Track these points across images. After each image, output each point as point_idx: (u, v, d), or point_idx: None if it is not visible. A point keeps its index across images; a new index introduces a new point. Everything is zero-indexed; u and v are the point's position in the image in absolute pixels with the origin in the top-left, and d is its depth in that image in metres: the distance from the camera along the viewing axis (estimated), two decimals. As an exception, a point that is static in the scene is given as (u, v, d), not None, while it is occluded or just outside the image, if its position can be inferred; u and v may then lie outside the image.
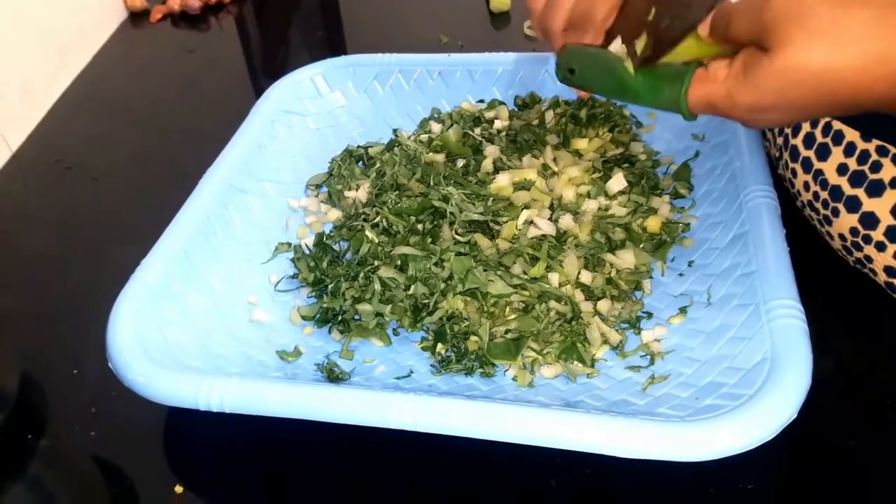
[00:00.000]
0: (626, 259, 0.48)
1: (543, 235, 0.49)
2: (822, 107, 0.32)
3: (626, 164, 0.54)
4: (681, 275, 0.48)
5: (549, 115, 0.58)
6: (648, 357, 0.43)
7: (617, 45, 0.39)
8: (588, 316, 0.45)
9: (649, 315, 0.46)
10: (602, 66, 0.39)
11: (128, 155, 0.69)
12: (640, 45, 0.37)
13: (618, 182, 0.52)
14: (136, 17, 0.91)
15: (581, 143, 0.56)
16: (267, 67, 0.82)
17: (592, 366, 0.43)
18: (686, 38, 0.35)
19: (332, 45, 0.84)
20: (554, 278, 0.46)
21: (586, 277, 0.47)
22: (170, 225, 0.49)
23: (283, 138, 0.60)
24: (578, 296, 0.46)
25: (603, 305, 0.46)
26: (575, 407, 0.40)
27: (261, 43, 0.87)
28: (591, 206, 0.51)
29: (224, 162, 0.55)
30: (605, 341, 0.45)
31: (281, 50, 0.84)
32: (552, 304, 0.45)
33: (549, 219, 0.50)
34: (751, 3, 0.32)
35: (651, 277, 0.48)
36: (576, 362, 0.43)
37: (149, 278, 0.45)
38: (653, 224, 0.50)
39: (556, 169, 0.54)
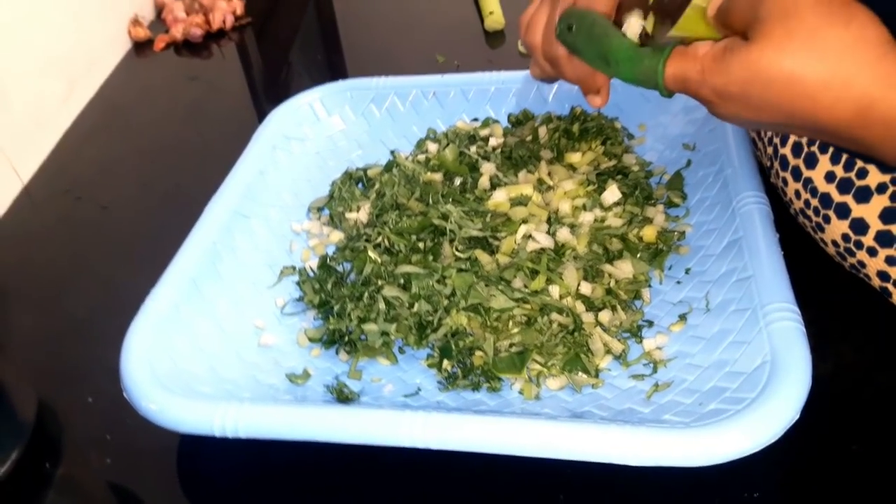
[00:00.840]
0: (624, 269, 0.49)
1: (542, 249, 0.50)
2: (782, 114, 0.32)
3: (619, 176, 0.56)
4: (678, 282, 0.49)
5: (543, 131, 0.59)
6: (651, 365, 0.44)
7: (633, 26, 0.39)
8: (590, 327, 0.46)
9: (650, 323, 0.47)
10: (595, 32, 0.39)
11: (136, 182, 0.70)
12: (648, 24, 0.38)
13: (612, 194, 0.53)
14: (140, 47, 0.93)
15: (574, 157, 0.57)
16: (269, 92, 0.83)
17: (597, 376, 0.44)
18: (693, 17, 0.35)
19: (333, 67, 0.86)
20: (554, 291, 0.47)
21: (586, 289, 0.48)
22: (177, 253, 0.50)
23: (284, 163, 0.62)
24: (579, 307, 0.47)
25: (604, 316, 0.47)
26: (582, 418, 0.41)
27: (262, 68, 0.89)
28: (587, 218, 0.52)
29: (227, 189, 0.56)
30: (608, 351, 0.45)
31: (282, 74, 0.85)
32: (554, 316, 0.46)
33: (547, 232, 0.51)
34: None
35: (650, 286, 0.49)
36: (580, 373, 0.44)
37: (159, 307, 0.46)
38: (649, 234, 0.51)
39: (551, 183, 0.55)
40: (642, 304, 0.49)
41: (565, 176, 0.56)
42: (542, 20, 0.43)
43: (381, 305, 0.48)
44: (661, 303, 0.48)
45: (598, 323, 0.47)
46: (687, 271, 0.49)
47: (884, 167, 0.41)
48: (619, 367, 0.45)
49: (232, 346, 0.48)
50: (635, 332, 0.47)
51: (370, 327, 0.47)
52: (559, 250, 0.50)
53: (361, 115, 0.66)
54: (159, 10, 0.98)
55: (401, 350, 0.48)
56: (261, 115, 0.65)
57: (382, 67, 0.74)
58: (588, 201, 0.54)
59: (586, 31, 0.40)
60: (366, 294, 0.49)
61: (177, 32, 0.92)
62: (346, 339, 0.48)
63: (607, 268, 0.49)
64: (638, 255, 0.50)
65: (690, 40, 0.35)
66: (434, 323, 0.47)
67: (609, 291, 0.48)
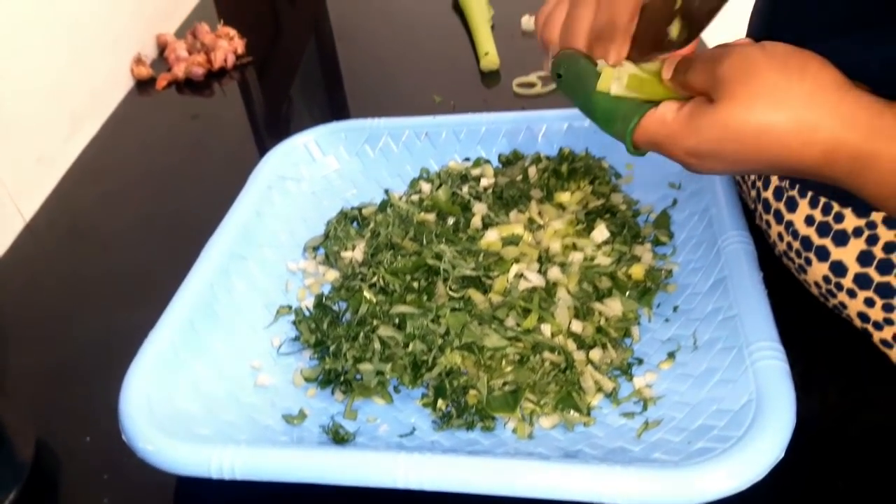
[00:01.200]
0: (613, 307, 0.50)
1: (534, 287, 0.51)
2: (757, 163, 0.34)
3: (607, 215, 0.57)
4: (667, 320, 0.50)
5: (532, 171, 0.61)
6: (641, 403, 0.45)
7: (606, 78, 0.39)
8: (581, 365, 0.47)
9: (640, 361, 0.48)
10: (581, 79, 0.40)
11: (137, 220, 0.71)
12: (674, 29, 0.37)
13: (601, 233, 0.54)
14: (143, 85, 0.94)
15: (564, 197, 0.59)
16: (270, 129, 0.85)
17: (588, 414, 0.45)
18: (650, 81, 0.38)
19: (334, 105, 0.87)
20: (546, 329, 0.48)
21: (577, 327, 0.49)
22: (175, 295, 0.51)
23: (280, 204, 0.63)
24: (571, 345, 0.48)
25: (595, 354, 0.48)
26: (574, 457, 0.42)
27: (264, 106, 0.90)
28: (576, 256, 0.53)
29: (224, 230, 0.57)
30: (600, 389, 0.46)
31: (283, 112, 0.87)
32: (546, 354, 0.47)
33: (538, 271, 0.52)
34: (710, 56, 0.35)
35: (639, 324, 0.50)
36: (572, 411, 0.45)
37: (157, 349, 0.47)
38: (637, 272, 0.52)
39: (541, 222, 0.57)
40: (632, 341, 0.50)
41: (555, 215, 0.57)
42: (561, 16, 0.42)
43: (377, 345, 0.49)
44: (650, 340, 0.49)
45: (590, 361, 0.48)
46: (675, 309, 0.50)
47: (859, 211, 0.42)
48: (610, 405, 0.46)
49: (229, 386, 0.49)
50: (625, 370, 0.47)
51: (365, 367, 0.48)
52: (550, 289, 0.51)
53: (356, 155, 0.67)
54: (162, 49, 1.00)
55: (396, 389, 0.49)
56: (262, 153, 0.66)
57: (381, 106, 0.75)
58: (577, 240, 0.55)
59: (572, 78, 0.42)
60: (361, 334, 0.49)
61: (179, 71, 0.93)
62: (342, 378, 0.49)
63: (597, 306, 0.50)
64: (627, 294, 0.51)
65: (656, 101, 0.37)
66: (428, 362, 0.47)
67: (599, 329, 0.49)
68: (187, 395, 0.46)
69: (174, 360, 0.47)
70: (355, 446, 0.45)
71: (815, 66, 0.33)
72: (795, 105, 0.32)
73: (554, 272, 0.52)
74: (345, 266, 0.59)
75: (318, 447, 0.43)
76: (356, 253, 0.59)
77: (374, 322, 0.50)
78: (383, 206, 0.62)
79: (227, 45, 0.96)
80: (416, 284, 0.52)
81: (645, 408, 0.45)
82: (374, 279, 0.53)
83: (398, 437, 0.45)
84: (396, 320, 0.50)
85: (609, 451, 0.42)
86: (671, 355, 0.47)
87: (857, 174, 0.32)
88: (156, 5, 1.04)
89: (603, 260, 0.53)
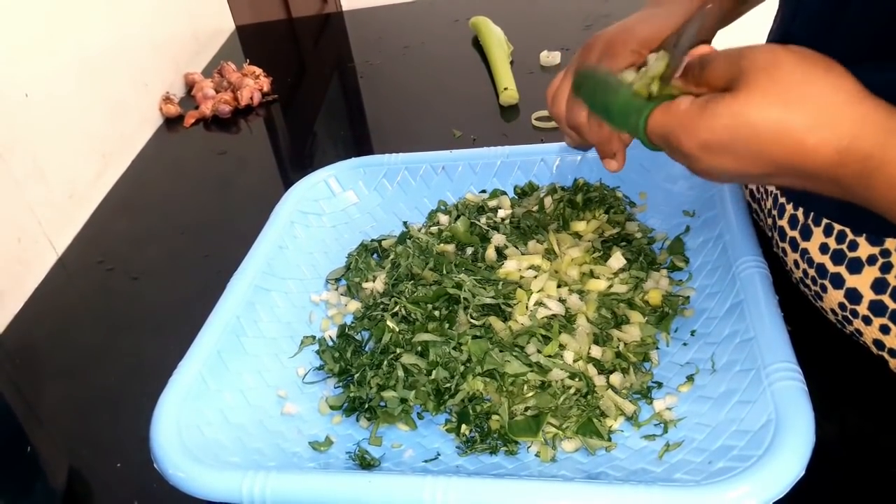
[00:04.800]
0: (632, 333, 0.51)
1: (553, 315, 0.52)
2: (767, 160, 0.33)
3: (623, 243, 0.58)
4: (685, 344, 0.51)
5: (548, 201, 0.62)
6: (662, 425, 0.46)
7: (628, 74, 0.43)
8: (602, 389, 0.48)
9: (659, 385, 0.49)
10: (598, 87, 0.43)
11: (165, 254, 0.73)
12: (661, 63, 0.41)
13: (617, 260, 0.56)
14: (171, 123, 0.98)
15: (580, 226, 0.60)
16: (295, 165, 0.87)
17: (610, 438, 0.46)
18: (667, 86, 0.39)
19: (357, 140, 0.90)
20: (568, 356, 0.49)
21: (597, 352, 0.49)
22: (203, 327, 0.53)
23: (302, 238, 0.65)
24: (591, 370, 0.49)
25: (615, 378, 0.49)
26: (597, 479, 0.42)
27: (289, 142, 0.93)
28: (594, 284, 0.54)
29: (249, 264, 0.59)
30: (621, 413, 0.47)
31: (308, 148, 0.89)
32: (567, 380, 0.48)
33: (557, 299, 0.53)
34: (733, 51, 0.35)
35: (657, 348, 0.51)
36: (594, 435, 0.46)
37: (186, 380, 0.48)
38: (654, 297, 0.53)
39: (558, 251, 0.58)
40: (651, 365, 0.50)
41: (571, 244, 0.58)
42: (565, 92, 0.48)
43: (400, 373, 0.50)
44: (669, 364, 0.50)
45: (610, 385, 0.48)
46: (692, 333, 0.51)
47: (872, 239, 0.43)
48: (631, 428, 0.46)
49: (256, 415, 0.50)
50: (645, 394, 0.48)
51: (389, 394, 0.49)
52: (570, 317, 0.52)
53: (374, 190, 0.69)
54: (189, 88, 1.04)
55: (419, 416, 0.50)
56: (287, 187, 0.69)
57: (403, 140, 0.76)
58: (595, 267, 0.56)
59: (590, 88, 0.44)
60: (384, 362, 0.51)
61: (206, 109, 0.97)
62: (366, 406, 0.50)
63: (616, 332, 0.51)
64: (645, 319, 0.52)
65: (676, 95, 0.38)
66: (451, 389, 0.48)
67: (619, 354, 0.50)
68: (216, 423, 0.48)
69: (203, 389, 0.49)
70: (381, 472, 0.45)
71: (838, 69, 0.33)
72: (815, 99, 0.32)
73: (573, 300, 0.53)
74: (366, 297, 0.60)
75: (347, 472, 0.44)
76: (377, 284, 0.60)
77: (397, 350, 0.51)
78: (402, 238, 0.64)
79: (253, 84, 0.99)
80: (437, 313, 0.53)
81: (665, 430, 0.45)
82: (396, 309, 0.55)
83: (423, 463, 0.46)
84: (419, 348, 0.51)
85: (631, 473, 0.42)
86: (690, 378, 0.48)
87: (868, 176, 0.32)
88: (184, 46, 1.08)
89: (620, 287, 0.54)
